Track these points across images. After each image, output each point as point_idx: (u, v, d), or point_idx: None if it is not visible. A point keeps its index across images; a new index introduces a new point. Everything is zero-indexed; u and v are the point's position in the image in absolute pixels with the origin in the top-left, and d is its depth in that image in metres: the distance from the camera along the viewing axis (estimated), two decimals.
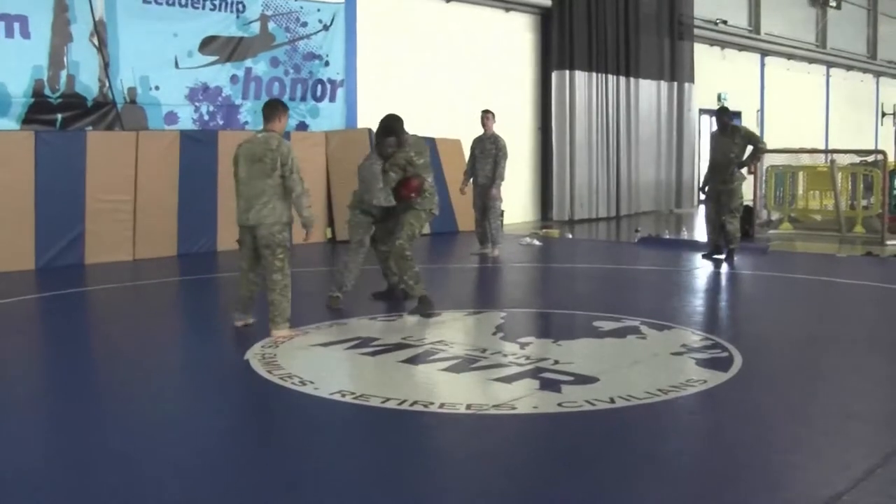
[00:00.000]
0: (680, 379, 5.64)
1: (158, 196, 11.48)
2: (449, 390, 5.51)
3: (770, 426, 4.80)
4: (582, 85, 17.80)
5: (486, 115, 11.82)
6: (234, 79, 13.11)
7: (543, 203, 18.01)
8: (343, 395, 5.29)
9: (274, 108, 7.00)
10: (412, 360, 6.19)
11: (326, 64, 14.18)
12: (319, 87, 14.15)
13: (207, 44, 12.78)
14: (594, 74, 18.11)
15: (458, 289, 9.93)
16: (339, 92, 14.40)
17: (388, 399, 5.17)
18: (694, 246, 12.78)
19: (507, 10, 17.14)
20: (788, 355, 6.48)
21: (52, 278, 9.92)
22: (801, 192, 15.94)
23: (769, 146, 20.99)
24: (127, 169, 11.30)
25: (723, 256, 11.09)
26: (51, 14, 11.20)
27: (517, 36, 17.49)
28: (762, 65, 24.81)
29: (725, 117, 11.24)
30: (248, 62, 13.27)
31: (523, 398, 5.23)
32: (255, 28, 13.32)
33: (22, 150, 10.51)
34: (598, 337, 6.89)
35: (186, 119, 12.60)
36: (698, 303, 8.91)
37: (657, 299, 8.83)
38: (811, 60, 26.68)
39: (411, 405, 5.08)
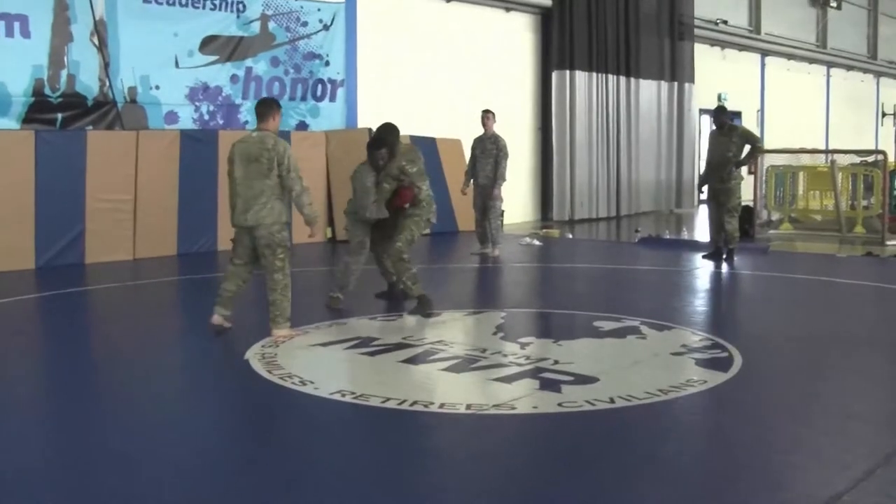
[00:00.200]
0: (680, 379, 5.64)
1: (158, 195, 11.48)
2: (449, 390, 5.51)
3: (770, 426, 4.80)
4: (582, 85, 17.80)
5: (487, 115, 11.82)
6: (234, 78, 13.11)
7: (543, 203, 18.01)
8: (343, 395, 5.29)
9: (268, 107, 6.96)
10: (412, 360, 6.18)
11: (327, 64, 14.18)
12: (320, 86, 14.15)
13: (208, 43, 12.79)
14: (594, 74, 18.11)
15: (459, 289, 9.93)
16: (340, 92, 14.39)
17: (387, 399, 5.17)
18: (694, 246, 12.78)
19: (508, 9, 17.14)
20: (789, 355, 6.47)
21: (52, 278, 9.92)
22: (801, 192, 15.93)
23: (770, 146, 21.08)
24: (127, 168, 11.30)
25: (723, 256, 11.09)
26: (51, 14, 11.21)
27: (517, 36, 17.49)
28: (762, 65, 24.81)
29: (723, 116, 11.26)
30: (249, 62, 13.27)
31: (523, 398, 5.22)
32: (256, 28, 13.32)
33: (22, 149, 10.51)
34: (598, 337, 6.89)
35: (187, 118, 12.60)
36: (698, 303, 8.90)
37: (657, 299, 8.83)
38: (811, 60, 26.68)
39: (411, 405, 5.08)
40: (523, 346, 6.53)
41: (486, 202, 11.67)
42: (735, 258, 11.07)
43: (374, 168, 7.92)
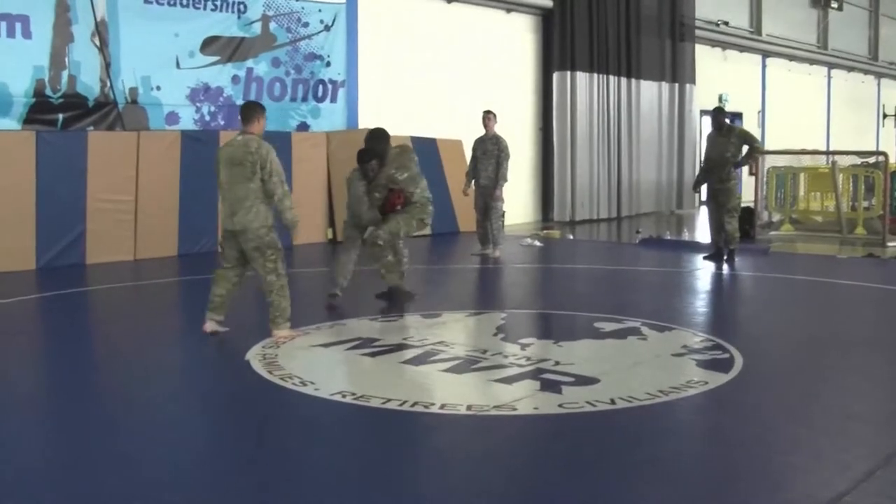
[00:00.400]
0: (681, 380, 5.64)
1: (159, 196, 11.48)
2: (449, 391, 5.51)
3: (770, 427, 4.79)
4: (583, 86, 17.80)
5: (488, 116, 11.81)
6: (235, 79, 13.12)
7: (544, 204, 18.01)
8: (344, 396, 5.29)
9: (252, 110, 6.96)
10: (413, 361, 6.18)
11: (328, 64, 14.18)
12: (321, 87, 14.15)
13: (209, 44, 12.79)
14: (595, 75, 18.10)
15: (459, 289, 9.93)
16: (341, 92, 14.40)
17: (388, 400, 5.17)
18: (695, 247, 12.78)
19: (508, 10, 17.14)
20: (789, 356, 6.48)
21: (53, 278, 9.93)
22: (802, 193, 15.93)
23: (770, 147, 21.08)
24: (128, 169, 11.31)
25: (724, 257, 11.09)
26: (52, 14, 11.21)
27: (518, 37, 17.48)
28: (763, 66, 24.81)
29: (721, 117, 11.28)
30: (250, 62, 13.27)
31: (524, 399, 5.22)
32: (257, 28, 13.32)
33: (23, 150, 10.51)
34: (598, 338, 6.89)
35: (187, 119, 12.60)
36: (699, 304, 8.90)
37: (658, 300, 8.83)
38: (812, 62, 26.67)
39: (412, 406, 5.08)
40: (524, 347, 6.53)
41: (488, 203, 11.67)
42: (736, 259, 11.07)
43: (364, 178, 8.00)
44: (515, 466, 4.29)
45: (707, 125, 21.53)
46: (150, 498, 3.86)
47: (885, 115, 31.24)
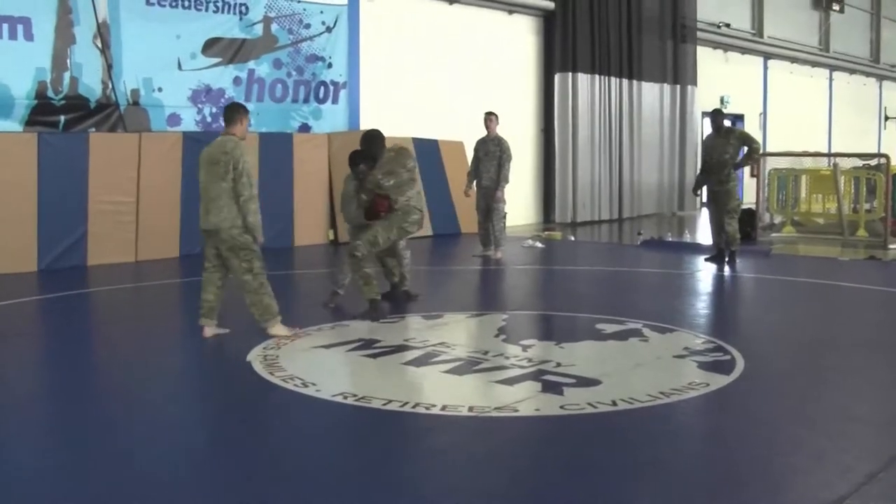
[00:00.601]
0: (682, 382, 5.64)
1: (161, 198, 11.48)
2: (451, 392, 5.51)
3: (772, 429, 4.79)
4: (585, 87, 17.80)
5: (490, 118, 11.81)
6: (236, 80, 13.12)
7: (546, 205, 18.01)
8: (345, 397, 5.29)
9: (234, 112, 7.00)
10: (414, 362, 6.18)
11: (329, 66, 14.19)
12: (322, 88, 14.16)
13: (210, 46, 12.80)
14: (597, 77, 18.11)
15: (461, 291, 9.93)
16: (342, 94, 14.40)
17: (389, 401, 5.17)
18: (696, 248, 12.77)
19: (510, 12, 17.15)
20: (791, 358, 6.47)
21: (55, 280, 9.93)
22: (803, 195, 15.92)
23: (772, 149, 21.08)
24: (129, 171, 11.32)
25: (726, 259, 11.09)
26: (54, 16, 11.22)
27: (520, 38, 17.49)
28: (765, 68, 24.81)
29: (720, 119, 11.29)
30: (251, 64, 13.28)
31: (525, 400, 5.22)
32: (258, 30, 13.33)
33: (25, 151, 10.53)
34: (600, 339, 6.89)
35: (189, 121, 12.61)
36: (701, 305, 8.90)
37: (660, 302, 8.83)
38: (814, 64, 26.66)
39: (413, 407, 5.08)
40: (525, 348, 6.53)
41: (489, 204, 11.67)
42: (737, 260, 11.06)
43: (356, 178, 8.08)
44: (517, 468, 4.29)
45: (708, 127, 21.58)
46: (150, 498, 3.87)
47: (886, 118, 31.23)
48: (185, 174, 11.72)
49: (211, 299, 6.97)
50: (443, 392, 5.52)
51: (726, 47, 22.99)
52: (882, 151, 20.73)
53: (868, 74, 29.81)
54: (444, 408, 5.06)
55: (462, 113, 15.07)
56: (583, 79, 17.75)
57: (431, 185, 14.10)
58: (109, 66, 11.75)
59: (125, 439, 4.67)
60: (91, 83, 11.62)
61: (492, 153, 11.62)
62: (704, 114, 21.61)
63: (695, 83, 20.90)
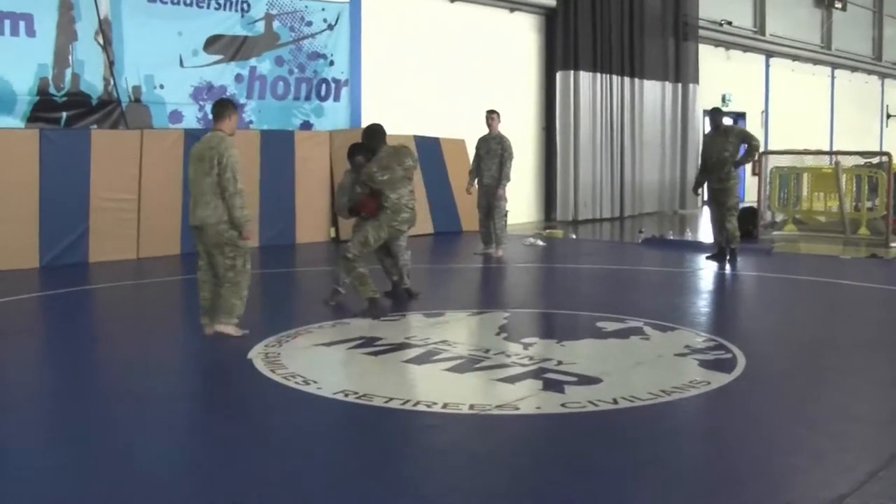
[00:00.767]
0: (683, 380, 5.64)
1: (162, 194, 11.49)
2: (452, 390, 5.51)
3: (773, 428, 4.79)
4: (586, 85, 17.79)
5: (491, 116, 11.81)
6: (238, 78, 13.12)
7: (547, 203, 18.00)
8: (346, 395, 5.29)
9: (223, 108, 6.99)
10: (415, 360, 6.19)
11: (331, 63, 14.18)
12: (324, 86, 14.16)
13: (212, 43, 12.80)
14: (598, 75, 18.10)
15: (462, 289, 9.94)
16: (344, 91, 14.40)
17: (391, 399, 5.17)
18: (698, 247, 12.77)
19: (512, 10, 17.14)
20: (792, 357, 6.47)
21: (56, 276, 9.94)
22: (805, 193, 15.91)
23: (774, 147, 21.05)
24: (131, 167, 11.32)
25: (727, 257, 11.09)
26: (56, 12, 11.22)
27: (522, 36, 17.48)
28: (767, 66, 24.78)
29: (719, 117, 11.28)
30: (253, 61, 13.28)
31: (526, 399, 5.23)
32: (260, 27, 13.33)
33: (26, 148, 10.53)
34: (601, 338, 6.89)
35: (191, 118, 12.61)
36: (702, 304, 8.90)
37: (661, 300, 8.83)
38: (816, 62, 26.63)
39: (414, 405, 5.08)
40: (526, 346, 6.53)
41: (491, 202, 11.67)
42: (738, 258, 11.06)
43: (354, 171, 8.14)
44: (518, 466, 4.29)
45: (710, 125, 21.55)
46: (150, 497, 3.87)
47: (888, 116, 31.19)
48: (187, 171, 11.71)
49: (208, 297, 6.98)
50: (444, 390, 5.52)
51: (728, 45, 22.96)
52: (884, 149, 20.72)
53: (870, 72, 29.78)
54: (445, 406, 5.07)
55: (463, 111, 15.07)
56: (584, 77, 17.74)
57: (433, 182, 14.11)
58: (111, 63, 11.75)
59: (126, 437, 4.68)
60: (93, 80, 11.62)
61: (493, 151, 11.62)
62: (706, 112, 21.58)
63: (696, 81, 20.88)
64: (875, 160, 16.49)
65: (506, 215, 11.89)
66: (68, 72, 11.39)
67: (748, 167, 19.21)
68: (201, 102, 12.70)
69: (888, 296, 9.36)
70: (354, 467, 4.24)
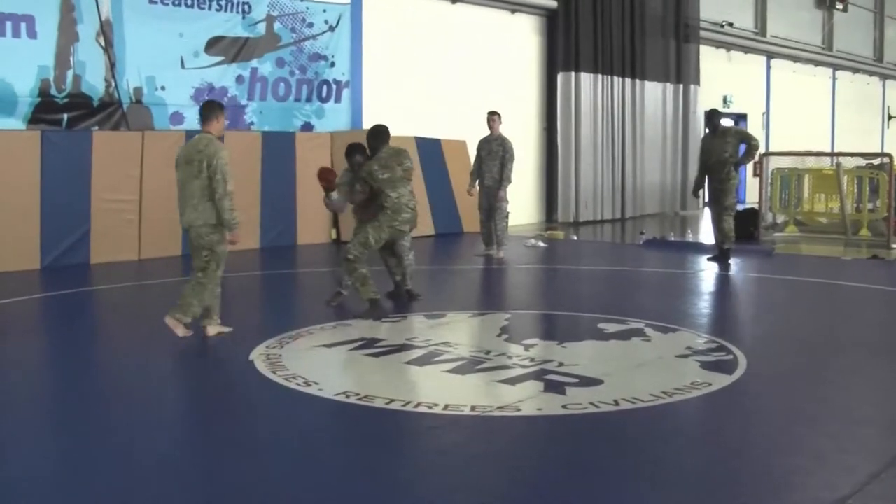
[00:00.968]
0: (684, 382, 5.63)
1: (164, 196, 11.41)
2: (453, 392, 5.51)
3: (774, 429, 4.79)
4: (587, 87, 17.80)
5: (493, 117, 11.80)
6: (239, 79, 13.13)
7: (548, 204, 18.01)
8: (347, 396, 5.29)
9: (210, 110, 6.99)
10: (417, 362, 6.19)
11: (332, 65, 14.19)
12: (325, 87, 14.17)
13: (213, 44, 12.81)
14: (600, 76, 18.10)
15: (463, 290, 9.94)
16: (345, 93, 14.41)
17: (392, 400, 5.17)
18: (699, 248, 12.76)
19: (513, 11, 17.15)
20: (793, 358, 6.46)
21: (58, 278, 9.94)
22: (806, 194, 15.91)
23: (775, 149, 21.04)
24: (132, 169, 11.33)
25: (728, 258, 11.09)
26: (57, 14, 11.23)
27: (523, 38, 17.48)
28: (768, 67, 24.78)
29: (716, 119, 11.27)
30: (254, 63, 13.29)
31: (528, 400, 5.23)
32: (261, 28, 13.34)
33: (28, 149, 10.54)
34: (602, 339, 6.89)
35: (192, 119, 12.59)
36: (703, 305, 8.89)
37: (662, 301, 8.83)
38: (817, 63, 26.63)
39: (416, 406, 5.08)
40: (528, 347, 6.53)
41: (492, 203, 11.67)
42: (731, 258, 11.03)
43: (352, 170, 8.19)
44: (519, 467, 4.29)
45: None
46: (151, 498, 3.87)
47: (889, 117, 31.19)
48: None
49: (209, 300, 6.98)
50: (445, 391, 5.52)
51: (729, 46, 22.97)
52: (885, 151, 20.72)
53: (871, 73, 29.78)
54: (446, 407, 5.07)
55: (465, 112, 15.07)
56: (585, 78, 17.74)
57: (434, 184, 14.11)
58: (112, 65, 11.75)
59: (126, 438, 4.67)
60: (94, 81, 11.63)
61: (495, 153, 11.62)
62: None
63: (698, 82, 20.88)
64: (876, 161, 16.50)
65: (507, 217, 11.89)
66: (70, 73, 11.40)
67: (749, 168, 19.24)
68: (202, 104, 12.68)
69: (889, 297, 9.36)
70: (356, 468, 4.24)
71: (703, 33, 21.13)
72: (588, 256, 13.00)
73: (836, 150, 25.19)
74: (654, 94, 19.70)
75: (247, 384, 5.75)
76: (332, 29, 14.15)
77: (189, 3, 12.49)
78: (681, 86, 20.45)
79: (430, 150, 14.29)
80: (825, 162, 17.94)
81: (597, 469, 4.20)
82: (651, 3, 19.41)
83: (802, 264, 11.80)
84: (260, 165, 12.62)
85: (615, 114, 18.55)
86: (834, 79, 27.83)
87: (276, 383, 5.63)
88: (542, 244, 13.33)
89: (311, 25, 13.90)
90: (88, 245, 10.93)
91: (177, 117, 12.46)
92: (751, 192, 20.96)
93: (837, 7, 27.01)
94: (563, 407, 5.06)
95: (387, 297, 8.34)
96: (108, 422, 4.99)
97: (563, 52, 17.51)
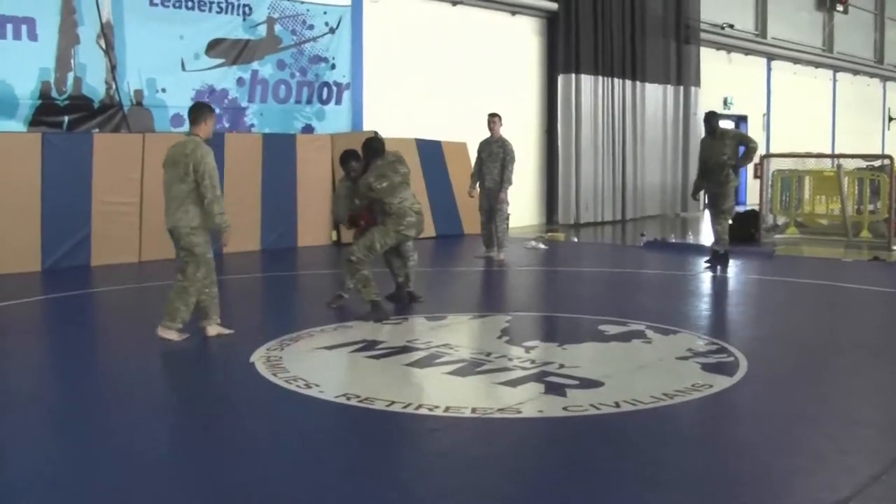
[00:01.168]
0: (685, 383, 5.62)
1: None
2: (454, 394, 5.51)
3: (774, 431, 4.79)
4: (588, 88, 17.81)
5: (493, 119, 11.80)
6: (240, 81, 13.14)
7: (549, 206, 18.01)
8: (348, 398, 5.29)
9: (199, 112, 6.99)
10: (417, 364, 6.19)
11: (332, 67, 14.20)
12: (325, 89, 14.17)
13: (214, 46, 12.81)
14: (600, 78, 18.11)
15: (464, 292, 9.94)
16: (345, 95, 14.42)
17: (393, 402, 5.17)
18: (700, 250, 12.75)
19: (514, 13, 17.15)
20: (794, 360, 6.46)
21: (58, 280, 9.94)
22: (807, 196, 15.91)
23: (775, 150, 21.03)
24: (133, 171, 11.33)
25: (727, 260, 11.09)
26: (58, 16, 11.24)
27: (523, 39, 17.49)
28: (768, 69, 24.79)
29: (714, 121, 11.25)
30: (255, 65, 13.29)
31: (528, 402, 5.23)
32: (262, 31, 13.34)
33: (29, 151, 10.54)
34: (603, 341, 6.88)
35: None
36: (704, 307, 8.89)
37: (663, 303, 8.82)
38: (818, 65, 26.64)
39: (416, 408, 5.08)
40: (528, 349, 6.53)
41: (492, 205, 11.67)
42: (719, 262, 11.00)
43: (348, 178, 8.20)
44: (519, 469, 4.29)
45: None
46: (152, 499, 3.87)
47: (890, 119, 31.19)
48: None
49: (203, 300, 6.99)
50: (446, 393, 5.52)
51: (730, 48, 22.98)
52: (886, 153, 20.71)
53: (872, 75, 29.79)
54: (446, 409, 5.06)
55: (465, 114, 15.08)
56: (586, 80, 17.75)
57: (434, 186, 14.11)
58: (113, 67, 11.76)
59: (127, 439, 4.67)
60: (95, 84, 11.64)
61: (495, 154, 11.61)
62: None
63: (698, 84, 20.89)
64: (877, 163, 16.49)
65: (507, 218, 11.89)
66: (70, 76, 11.41)
67: (750, 170, 19.24)
68: None
69: (890, 299, 9.36)
70: (356, 470, 4.24)
71: (703, 35, 21.14)
72: (589, 258, 13.00)
73: (836, 151, 25.19)
74: (655, 95, 19.70)
75: (247, 386, 5.75)
76: (332, 31, 14.16)
77: (190, 5, 12.50)
78: (681, 87, 20.46)
79: (431, 152, 14.30)
80: (826, 164, 17.93)
81: (597, 470, 4.20)
82: (651, 4, 19.42)
83: (803, 266, 11.80)
84: (260, 167, 12.63)
85: (615, 115, 18.56)
86: (834, 80, 27.84)
87: (277, 385, 5.63)
88: (542, 246, 13.33)
89: (311, 27, 13.91)
90: (89, 247, 10.93)
91: (177, 119, 12.45)
92: (751, 194, 20.97)
93: (838, 9, 27.02)
94: (564, 409, 5.05)
95: (388, 299, 8.33)
96: (109, 423, 4.99)
97: (563, 53, 17.52)
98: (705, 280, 10.44)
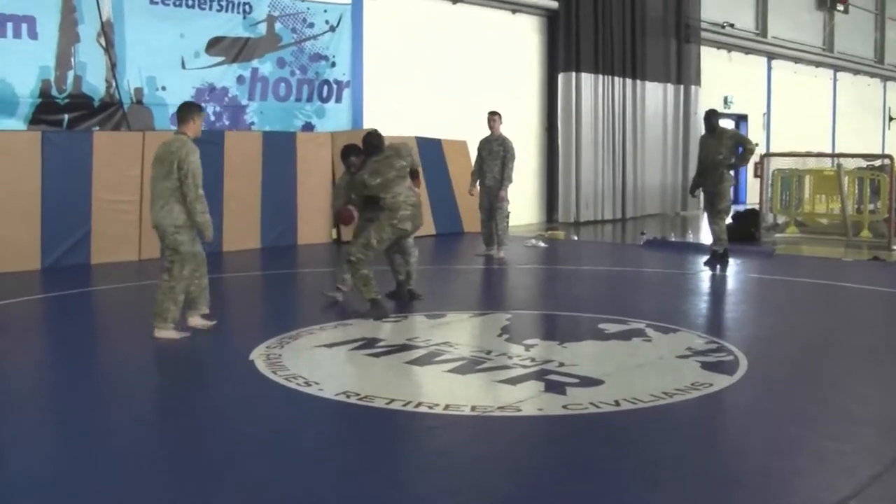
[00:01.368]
0: (685, 382, 5.63)
1: None
2: (454, 392, 5.51)
3: (774, 430, 4.79)
4: (588, 87, 17.80)
5: (493, 117, 11.80)
6: (240, 79, 13.13)
7: (549, 205, 18.01)
8: (348, 396, 5.29)
9: (187, 111, 7.02)
10: (417, 362, 6.19)
11: (333, 65, 14.20)
12: (326, 87, 14.17)
13: (214, 44, 12.81)
14: (600, 77, 18.11)
15: (464, 290, 9.93)
16: (346, 93, 14.41)
17: (392, 400, 5.17)
18: (700, 249, 12.75)
19: (514, 11, 17.15)
20: (794, 359, 6.46)
21: (58, 278, 9.94)
22: (807, 195, 15.91)
23: (776, 150, 21.04)
24: (133, 169, 11.31)
25: (727, 259, 11.09)
26: (58, 15, 11.23)
27: (524, 38, 17.49)
28: (769, 68, 24.78)
29: (714, 119, 11.25)
30: (255, 63, 13.29)
31: (528, 400, 5.22)
32: (262, 29, 13.34)
33: (29, 150, 10.53)
34: (603, 339, 6.88)
35: None
36: (704, 306, 8.90)
37: (663, 302, 8.82)
38: (818, 64, 26.63)
39: (416, 406, 5.08)
40: (528, 347, 6.53)
41: (493, 203, 11.67)
42: (718, 261, 11.01)
43: (348, 172, 8.28)
44: (519, 467, 4.28)
45: None
46: (152, 498, 3.87)
47: (890, 118, 31.18)
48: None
49: (192, 290, 7.01)
50: (445, 391, 5.52)
51: (730, 47, 22.96)
52: (886, 152, 20.72)
53: (872, 75, 29.77)
54: (446, 407, 5.07)
55: (465, 112, 15.08)
56: (586, 78, 17.74)
57: (435, 184, 14.10)
58: (113, 65, 11.76)
59: (126, 439, 4.67)
60: (95, 82, 11.63)
61: (495, 153, 11.62)
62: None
63: (698, 83, 20.88)
64: (877, 163, 16.50)
65: (507, 217, 11.89)
66: (70, 74, 11.40)
67: (750, 169, 19.24)
68: (203, 104, 12.67)
69: (890, 298, 9.35)
70: (356, 469, 4.23)
71: (703, 34, 21.12)
72: (589, 257, 13.00)
73: (836, 151, 25.19)
74: (655, 94, 19.70)
75: (247, 384, 5.74)
76: (332, 29, 14.15)
77: (190, 3, 12.49)
78: (681, 86, 20.45)
79: (431, 150, 14.29)
80: (826, 163, 17.96)
81: (597, 469, 4.20)
82: (652, 3, 19.41)
83: (803, 265, 11.80)
84: (260, 165, 12.62)
85: (616, 114, 18.55)
86: (835, 80, 27.82)
87: (277, 383, 5.63)
88: (542, 244, 13.33)
89: (311, 25, 13.90)
90: (89, 245, 10.92)
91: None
92: (751, 193, 20.96)
93: (838, 8, 27.00)
94: (564, 407, 5.05)
95: (388, 297, 8.33)
96: (108, 422, 4.99)
97: (563, 52, 17.52)
98: (705, 279, 10.44)
